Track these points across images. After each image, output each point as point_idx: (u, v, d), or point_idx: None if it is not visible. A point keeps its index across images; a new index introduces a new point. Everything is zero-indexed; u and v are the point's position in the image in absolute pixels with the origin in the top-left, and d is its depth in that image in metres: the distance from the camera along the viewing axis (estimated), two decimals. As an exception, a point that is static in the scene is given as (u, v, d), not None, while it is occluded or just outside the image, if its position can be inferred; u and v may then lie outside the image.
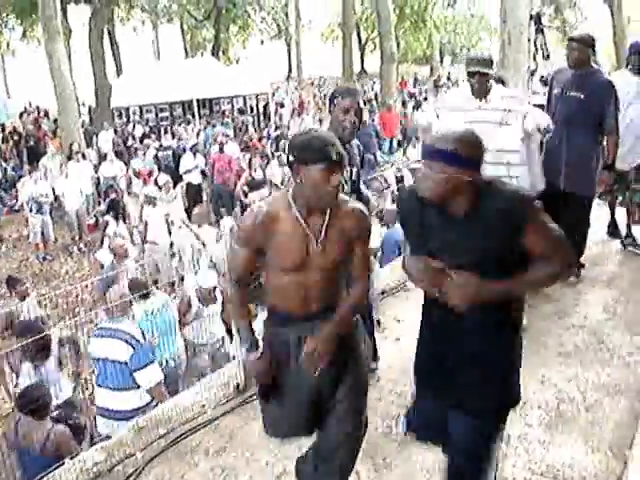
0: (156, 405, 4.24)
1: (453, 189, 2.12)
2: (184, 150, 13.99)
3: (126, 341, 4.33)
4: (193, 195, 12.60)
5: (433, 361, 2.37)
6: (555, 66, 5.01)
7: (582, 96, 4.71)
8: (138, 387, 4.35)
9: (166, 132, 18.67)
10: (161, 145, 15.81)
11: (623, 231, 5.75)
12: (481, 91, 4.17)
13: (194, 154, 13.29)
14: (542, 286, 2.54)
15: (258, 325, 2.72)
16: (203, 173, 13.13)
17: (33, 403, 3.86)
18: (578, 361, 3.97)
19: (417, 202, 2.22)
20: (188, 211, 12.72)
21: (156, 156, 14.28)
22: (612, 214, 5.85)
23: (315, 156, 2.23)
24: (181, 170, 13.18)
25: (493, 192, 2.16)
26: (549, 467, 3.04)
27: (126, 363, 4.31)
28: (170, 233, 9.14)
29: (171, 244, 8.68)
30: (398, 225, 7.28)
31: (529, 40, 5.29)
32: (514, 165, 4.15)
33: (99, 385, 4.46)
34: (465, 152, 2.08)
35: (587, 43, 4.76)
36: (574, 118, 4.68)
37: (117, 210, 9.87)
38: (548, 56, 4.41)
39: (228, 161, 12.98)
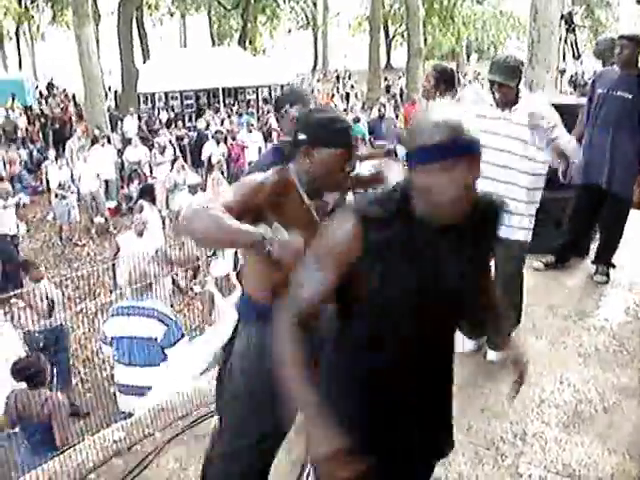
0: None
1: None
2: (200, 137, 14.22)
3: (158, 319, 4.40)
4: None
5: None
6: (584, 66, 4.98)
7: (630, 96, 4.67)
8: (165, 361, 4.41)
9: (190, 119, 18.83)
10: (189, 128, 16.04)
11: None
12: (503, 102, 3.69)
13: (217, 142, 13.44)
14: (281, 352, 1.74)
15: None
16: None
17: (27, 370, 3.98)
18: (597, 363, 3.95)
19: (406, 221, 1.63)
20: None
21: (181, 141, 14.50)
22: None
23: (336, 139, 2.07)
24: (203, 156, 13.38)
25: None
26: (565, 466, 3.04)
27: (156, 339, 4.37)
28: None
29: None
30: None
31: (560, 39, 5.24)
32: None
33: (123, 363, 4.48)
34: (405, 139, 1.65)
35: (637, 40, 4.67)
36: (619, 118, 4.67)
37: (151, 194, 9.85)
38: (579, 56, 4.35)
39: (241, 148, 13.34)
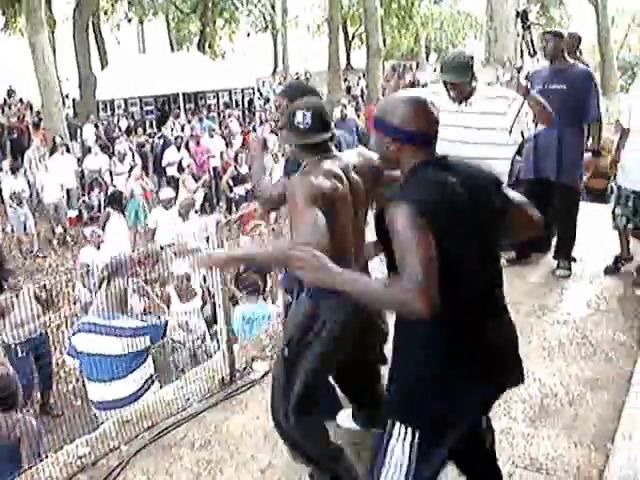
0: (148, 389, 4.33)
1: (381, 156, 2.16)
2: (166, 143, 14.02)
3: (132, 335, 4.31)
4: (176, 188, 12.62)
5: None
6: (540, 63, 5.09)
7: (564, 87, 4.86)
8: (134, 371, 4.35)
9: (151, 126, 18.64)
10: (150, 135, 15.86)
11: None
12: (458, 98, 4.04)
13: (178, 148, 13.31)
14: (379, 304, 2.23)
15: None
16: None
17: (1, 392, 3.85)
18: (562, 356, 4.00)
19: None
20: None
21: (142, 148, 14.31)
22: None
23: None
24: (164, 163, 13.26)
25: (411, 177, 2.08)
26: (533, 460, 3.07)
27: (124, 355, 4.30)
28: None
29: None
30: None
31: (518, 36, 5.37)
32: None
33: (89, 379, 4.39)
34: (387, 118, 2.06)
35: (560, 35, 4.96)
36: (560, 109, 4.76)
37: (120, 203, 9.57)
38: (535, 52, 4.45)
39: (206, 155, 13.24)
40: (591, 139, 5.14)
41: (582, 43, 6.35)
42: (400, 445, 2.07)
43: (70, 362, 4.62)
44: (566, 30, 5.51)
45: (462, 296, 2.00)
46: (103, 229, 8.45)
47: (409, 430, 2.06)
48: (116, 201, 9.58)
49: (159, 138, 14.90)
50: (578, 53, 6.11)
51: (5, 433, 3.80)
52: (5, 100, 26.20)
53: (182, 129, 16.85)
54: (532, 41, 4.50)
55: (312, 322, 2.59)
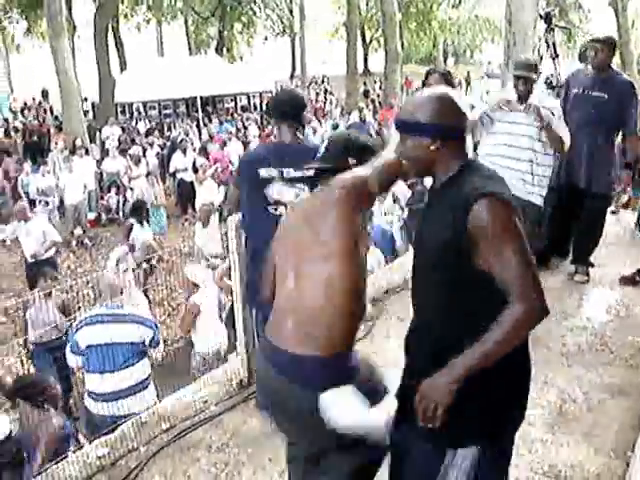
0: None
1: (417, 162, 1.98)
2: (173, 148, 14.04)
3: (141, 323, 4.51)
4: (187, 192, 12.66)
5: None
6: (561, 66, 5.07)
7: (605, 96, 4.81)
8: (143, 358, 4.53)
9: (169, 129, 18.75)
10: (168, 138, 15.94)
11: None
12: (524, 93, 4.27)
13: (184, 152, 13.31)
14: (510, 343, 1.85)
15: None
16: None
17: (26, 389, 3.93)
18: (581, 362, 3.97)
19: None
20: (183, 208, 12.83)
21: (161, 151, 14.39)
22: None
23: None
24: (171, 169, 13.31)
25: (466, 175, 1.93)
26: (551, 467, 3.05)
27: (142, 343, 4.48)
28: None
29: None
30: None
31: (540, 39, 5.34)
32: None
33: (98, 371, 4.43)
34: (421, 117, 1.92)
35: (612, 45, 4.89)
36: (597, 118, 4.75)
37: (141, 212, 9.10)
38: (557, 55, 4.45)
39: (229, 160, 13.17)
40: (629, 152, 5.08)
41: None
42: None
43: (72, 361, 4.65)
44: (595, 35, 5.47)
45: None
46: (127, 239, 8.47)
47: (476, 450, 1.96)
48: (138, 211, 9.14)
49: (168, 141, 14.97)
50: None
51: (33, 428, 3.84)
52: (25, 103, 26.49)
53: (200, 133, 16.92)
54: (554, 44, 4.51)
55: None
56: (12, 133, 19.07)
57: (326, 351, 2.03)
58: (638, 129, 4.97)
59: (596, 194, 4.93)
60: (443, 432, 1.91)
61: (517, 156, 4.28)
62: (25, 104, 26.42)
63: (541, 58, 4.86)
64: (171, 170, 13.38)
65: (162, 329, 5.71)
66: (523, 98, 4.27)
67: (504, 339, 1.81)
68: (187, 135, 15.90)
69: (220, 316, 5.77)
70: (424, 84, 4.56)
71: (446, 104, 1.93)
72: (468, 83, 29.12)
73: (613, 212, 6.25)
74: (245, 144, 14.83)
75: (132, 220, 8.73)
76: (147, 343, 4.53)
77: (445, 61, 40.52)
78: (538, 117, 4.13)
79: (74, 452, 3.48)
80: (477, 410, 1.93)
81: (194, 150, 13.90)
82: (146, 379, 4.55)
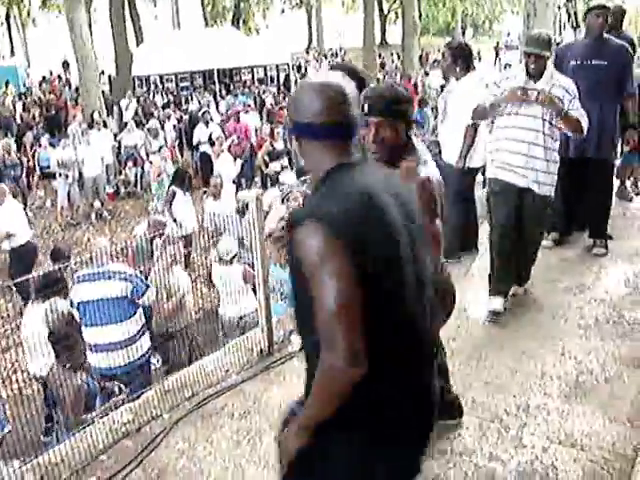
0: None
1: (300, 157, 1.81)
2: (197, 121, 13.99)
3: (124, 279, 4.71)
4: (209, 165, 12.64)
5: None
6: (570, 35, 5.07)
7: (605, 63, 4.84)
8: (134, 314, 4.78)
9: (187, 101, 18.73)
10: (186, 111, 15.93)
11: None
12: (536, 72, 4.05)
13: (206, 124, 13.27)
14: (324, 401, 1.62)
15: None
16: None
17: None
18: (598, 334, 4.00)
19: None
20: (205, 180, 12.79)
21: (178, 123, 14.38)
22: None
23: None
24: (194, 141, 13.29)
25: (322, 186, 1.69)
26: (567, 436, 3.09)
27: (125, 296, 4.69)
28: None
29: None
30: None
31: (559, 8, 5.30)
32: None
33: (92, 325, 4.65)
34: (290, 112, 1.77)
35: (608, 10, 4.96)
36: (600, 86, 4.74)
37: (184, 180, 8.94)
38: (578, 25, 4.42)
39: (244, 131, 13.11)
40: (631, 113, 5.09)
41: (625, 15, 6.24)
42: None
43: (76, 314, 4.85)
44: (610, 3, 5.43)
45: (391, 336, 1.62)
46: (170, 207, 8.51)
47: None
48: (180, 179, 8.98)
49: (186, 114, 14.92)
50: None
51: (60, 386, 3.95)
52: (44, 77, 26.55)
53: (217, 105, 16.87)
54: (576, 13, 4.47)
55: None
56: (30, 107, 19.14)
57: None
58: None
59: (604, 161, 4.99)
60: None
61: (529, 140, 4.07)
62: (43, 78, 26.48)
63: (560, 29, 4.81)
64: (194, 142, 13.35)
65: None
66: (535, 77, 4.05)
67: (316, 395, 1.62)
68: (201, 108, 15.89)
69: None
70: (444, 56, 4.51)
71: (320, 97, 1.66)
72: (497, 54, 28.45)
73: (631, 199, 6.22)
74: (262, 116, 14.80)
75: (174, 188, 8.72)
76: (129, 295, 4.71)
77: (464, 33, 39.89)
78: (552, 109, 3.96)
79: (100, 418, 3.57)
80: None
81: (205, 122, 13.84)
82: (137, 334, 4.76)
